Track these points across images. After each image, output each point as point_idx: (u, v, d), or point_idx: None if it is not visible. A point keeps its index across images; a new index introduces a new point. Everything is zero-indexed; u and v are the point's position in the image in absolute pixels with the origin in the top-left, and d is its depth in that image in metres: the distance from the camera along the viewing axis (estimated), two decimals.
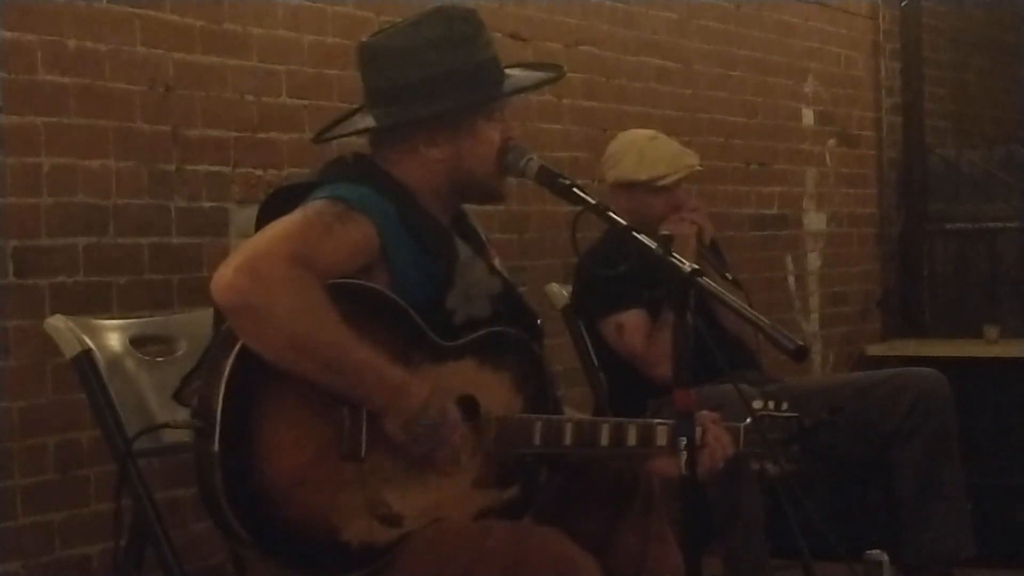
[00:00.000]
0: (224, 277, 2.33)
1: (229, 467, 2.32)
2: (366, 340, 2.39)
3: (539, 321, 2.71)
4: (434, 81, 2.56)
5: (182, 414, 2.49)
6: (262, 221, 2.50)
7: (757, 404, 2.78)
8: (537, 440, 2.57)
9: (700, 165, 4.17)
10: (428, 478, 2.48)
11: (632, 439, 2.63)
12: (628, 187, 4.10)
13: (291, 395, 2.36)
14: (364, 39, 2.67)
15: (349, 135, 2.69)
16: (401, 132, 2.60)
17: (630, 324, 3.95)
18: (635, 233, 2.48)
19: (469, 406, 2.53)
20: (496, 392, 2.56)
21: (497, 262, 2.72)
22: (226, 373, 2.33)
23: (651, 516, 2.68)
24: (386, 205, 2.50)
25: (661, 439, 2.63)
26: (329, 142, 2.84)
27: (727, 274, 4.01)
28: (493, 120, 2.63)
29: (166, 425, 2.59)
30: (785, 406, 2.80)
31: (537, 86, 2.81)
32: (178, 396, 2.56)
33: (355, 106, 2.77)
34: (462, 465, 2.50)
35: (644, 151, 4.11)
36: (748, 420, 2.72)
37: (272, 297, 2.31)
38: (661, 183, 4.07)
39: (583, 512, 2.66)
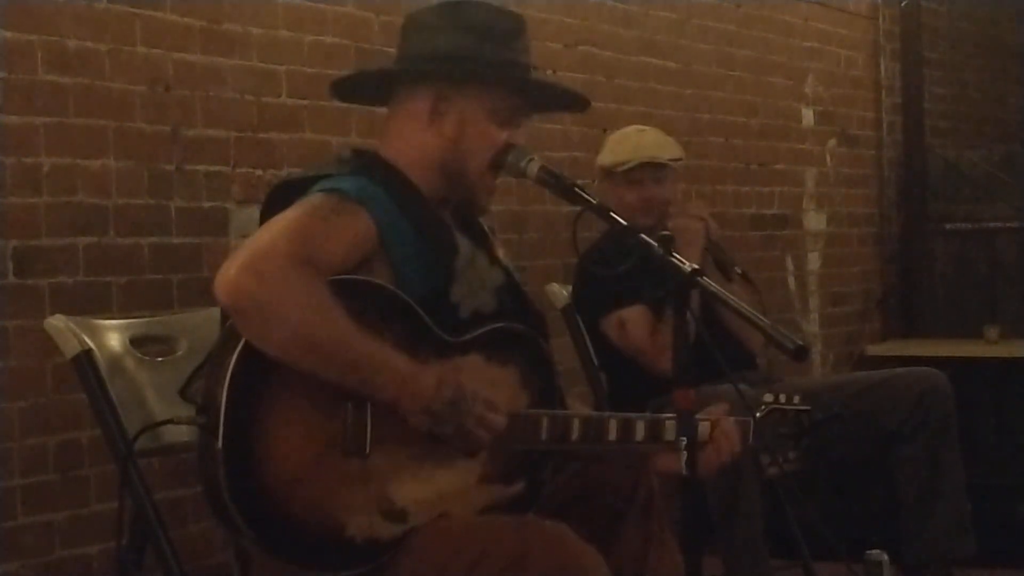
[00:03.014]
0: (228, 277, 2.32)
1: (233, 463, 2.31)
2: (371, 335, 2.38)
3: (543, 316, 2.70)
4: (485, 58, 2.57)
5: (183, 414, 2.48)
6: (266, 216, 2.50)
7: (768, 398, 2.76)
8: (544, 435, 2.56)
9: (671, 160, 4.11)
10: (433, 473, 2.47)
11: (640, 434, 2.63)
12: (604, 176, 4.17)
13: (295, 391, 2.36)
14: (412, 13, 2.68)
15: (368, 75, 2.77)
16: (416, 96, 2.59)
17: (632, 319, 3.95)
18: (635, 233, 2.48)
19: None
20: (502, 388, 2.54)
21: (501, 253, 2.70)
22: (230, 369, 2.33)
23: (652, 517, 2.67)
24: (384, 196, 2.49)
25: (670, 434, 2.61)
26: (349, 100, 2.93)
27: (736, 268, 4.00)
28: (505, 126, 2.61)
29: (169, 421, 2.56)
30: (797, 399, 2.78)
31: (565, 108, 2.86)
32: (184, 393, 2.55)
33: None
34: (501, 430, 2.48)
35: (621, 141, 4.18)
36: (759, 414, 2.71)
37: (277, 295, 2.31)
38: (620, 169, 4.09)
39: (584, 512, 2.65)
